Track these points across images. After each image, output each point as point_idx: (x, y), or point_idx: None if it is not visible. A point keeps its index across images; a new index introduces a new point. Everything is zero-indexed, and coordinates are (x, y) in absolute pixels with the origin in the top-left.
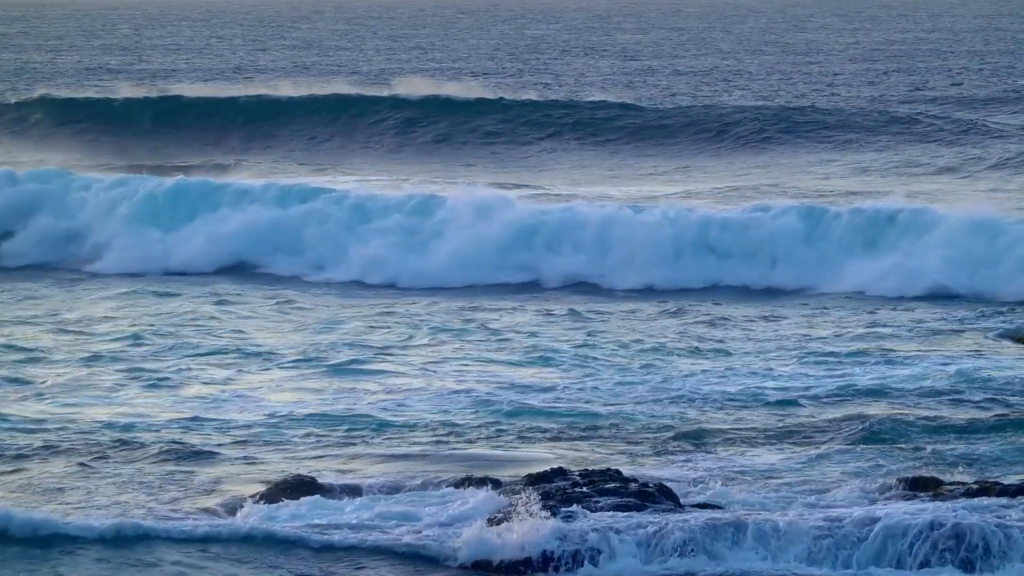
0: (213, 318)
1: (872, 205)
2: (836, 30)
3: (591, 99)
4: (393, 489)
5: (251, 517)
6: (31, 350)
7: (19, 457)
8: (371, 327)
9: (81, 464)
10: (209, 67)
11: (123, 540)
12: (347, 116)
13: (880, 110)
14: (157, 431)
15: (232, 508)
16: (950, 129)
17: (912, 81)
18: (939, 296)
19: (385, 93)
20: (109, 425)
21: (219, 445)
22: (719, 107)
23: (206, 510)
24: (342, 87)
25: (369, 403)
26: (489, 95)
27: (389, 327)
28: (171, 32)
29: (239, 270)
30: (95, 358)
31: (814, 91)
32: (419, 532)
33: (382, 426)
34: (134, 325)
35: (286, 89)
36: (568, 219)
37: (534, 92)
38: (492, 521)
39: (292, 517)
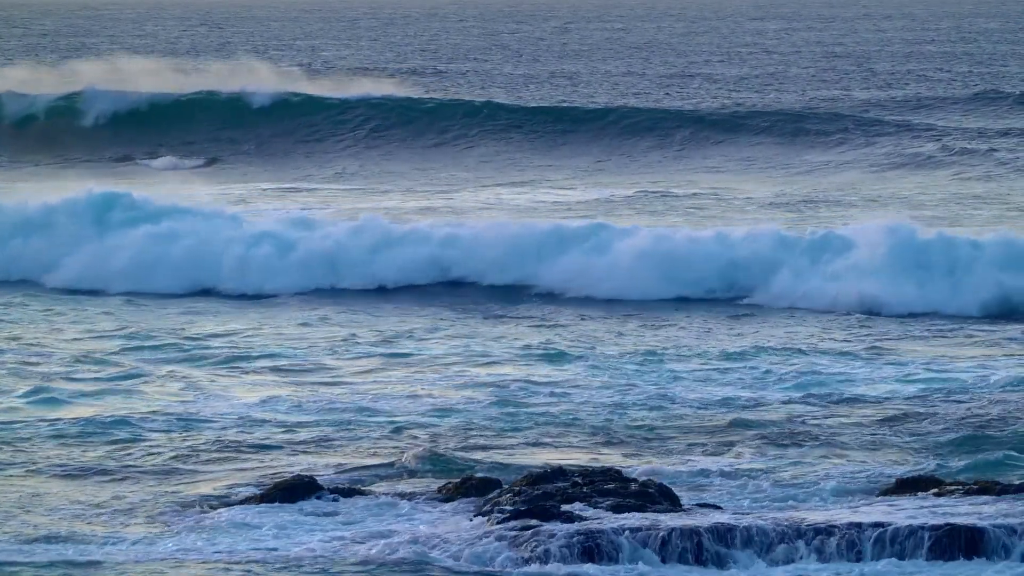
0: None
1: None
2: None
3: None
4: (391, 493)
5: (238, 522)
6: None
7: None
8: (362, 329)
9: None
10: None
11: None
12: (245, 113)
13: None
14: (143, 433)
15: (222, 511)
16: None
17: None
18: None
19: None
20: (91, 423)
21: (213, 446)
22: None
23: (197, 513)
24: (220, 81)
25: (366, 404)
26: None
27: (380, 329)
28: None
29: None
30: (83, 357)
31: (757, 93)
32: (417, 537)
33: (380, 428)
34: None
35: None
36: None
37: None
38: (491, 523)
39: (280, 526)
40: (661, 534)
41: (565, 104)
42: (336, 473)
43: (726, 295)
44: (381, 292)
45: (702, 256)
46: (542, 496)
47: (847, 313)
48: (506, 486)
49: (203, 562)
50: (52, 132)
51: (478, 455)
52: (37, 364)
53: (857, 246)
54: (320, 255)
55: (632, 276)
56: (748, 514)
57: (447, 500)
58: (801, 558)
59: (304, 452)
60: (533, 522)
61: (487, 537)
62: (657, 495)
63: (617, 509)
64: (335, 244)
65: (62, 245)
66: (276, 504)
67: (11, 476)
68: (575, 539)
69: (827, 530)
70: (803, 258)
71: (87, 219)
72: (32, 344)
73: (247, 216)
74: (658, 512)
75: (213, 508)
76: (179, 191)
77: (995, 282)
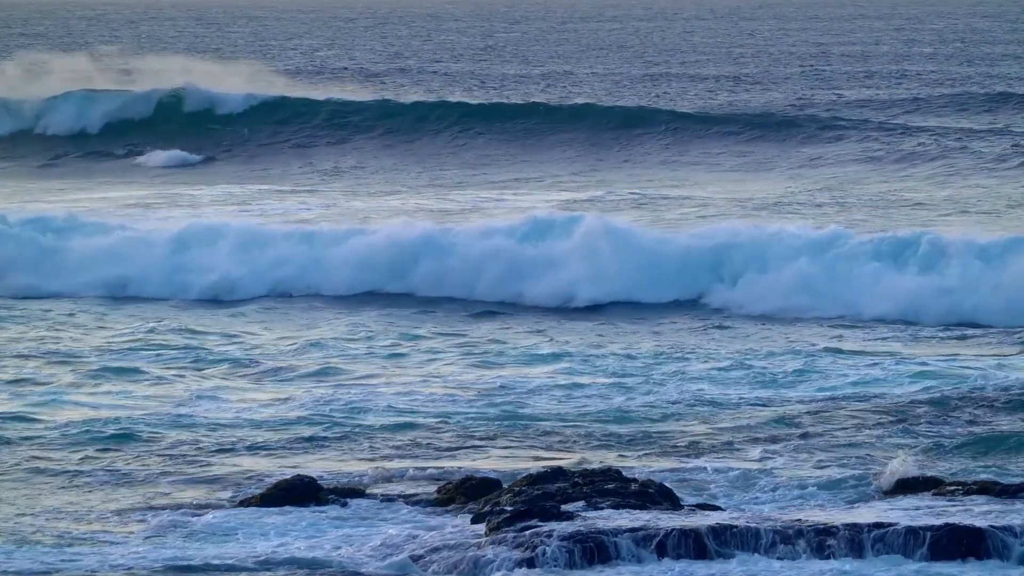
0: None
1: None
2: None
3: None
4: (391, 493)
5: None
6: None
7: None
8: (359, 333)
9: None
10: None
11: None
12: (236, 113)
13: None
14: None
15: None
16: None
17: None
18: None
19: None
20: (88, 422)
21: (210, 447)
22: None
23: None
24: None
25: (366, 406)
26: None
27: (377, 334)
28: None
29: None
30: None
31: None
32: (417, 539)
33: (379, 429)
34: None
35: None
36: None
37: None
38: (491, 528)
39: (278, 528)
40: (661, 534)
41: (559, 103)
42: (335, 474)
43: (722, 295)
44: (371, 294)
45: (696, 256)
46: (542, 496)
47: (844, 313)
48: (506, 486)
49: (201, 566)
50: (40, 135)
51: (477, 456)
52: (32, 365)
53: (848, 245)
54: (305, 258)
55: (620, 277)
56: (748, 514)
57: (447, 501)
58: (801, 558)
59: (302, 452)
60: (533, 522)
61: (487, 538)
62: (657, 495)
63: (617, 509)
64: (321, 246)
65: (18, 255)
66: (275, 505)
67: (5, 478)
68: (575, 539)
69: (827, 530)
70: (802, 258)
71: (44, 231)
72: (28, 345)
73: (225, 220)
74: (658, 512)
75: (211, 510)
76: (167, 193)
77: (981, 283)
